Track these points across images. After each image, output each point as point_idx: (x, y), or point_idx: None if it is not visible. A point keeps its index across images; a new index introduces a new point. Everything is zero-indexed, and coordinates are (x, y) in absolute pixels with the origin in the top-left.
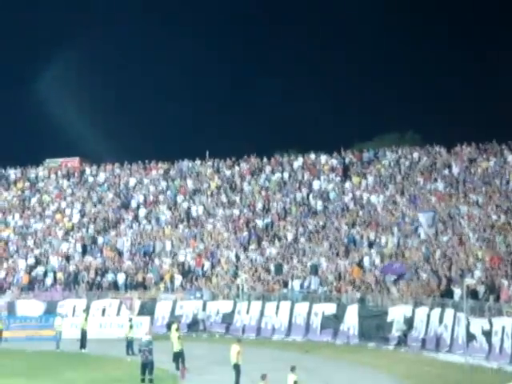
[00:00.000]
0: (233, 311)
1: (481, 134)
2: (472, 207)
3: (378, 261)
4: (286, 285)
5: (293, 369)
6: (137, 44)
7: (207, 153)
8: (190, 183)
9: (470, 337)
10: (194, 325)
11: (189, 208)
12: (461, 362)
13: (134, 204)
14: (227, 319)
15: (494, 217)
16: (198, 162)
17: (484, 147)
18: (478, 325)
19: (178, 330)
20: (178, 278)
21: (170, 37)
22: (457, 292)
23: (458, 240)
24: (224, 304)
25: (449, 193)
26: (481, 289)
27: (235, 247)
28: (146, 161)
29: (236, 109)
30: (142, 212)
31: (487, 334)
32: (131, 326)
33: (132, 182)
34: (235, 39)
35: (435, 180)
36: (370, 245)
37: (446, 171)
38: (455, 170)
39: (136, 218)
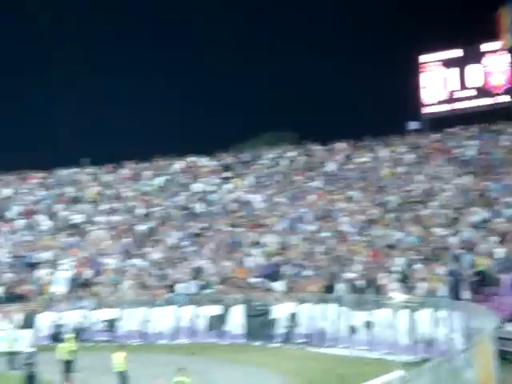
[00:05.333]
0: (117, 318)
1: (355, 132)
2: (349, 203)
3: (262, 260)
4: (170, 289)
5: (181, 370)
6: None
7: (85, 160)
8: (68, 191)
9: (353, 330)
10: (77, 334)
11: (69, 216)
12: (345, 355)
13: (10, 215)
14: (111, 327)
15: (371, 211)
16: (75, 169)
17: (358, 144)
18: (360, 318)
19: (70, 340)
20: (61, 288)
21: None
22: (339, 287)
23: (338, 236)
24: (108, 312)
25: (327, 189)
26: (361, 282)
27: (118, 254)
28: (22, 170)
29: (111, 115)
30: (20, 223)
31: (368, 326)
32: (13, 340)
33: (8, 192)
34: None
35: (314, 178)
36: (253, 245)
37: (324, 168)
38: (332, 166)
39: (14, 228)
